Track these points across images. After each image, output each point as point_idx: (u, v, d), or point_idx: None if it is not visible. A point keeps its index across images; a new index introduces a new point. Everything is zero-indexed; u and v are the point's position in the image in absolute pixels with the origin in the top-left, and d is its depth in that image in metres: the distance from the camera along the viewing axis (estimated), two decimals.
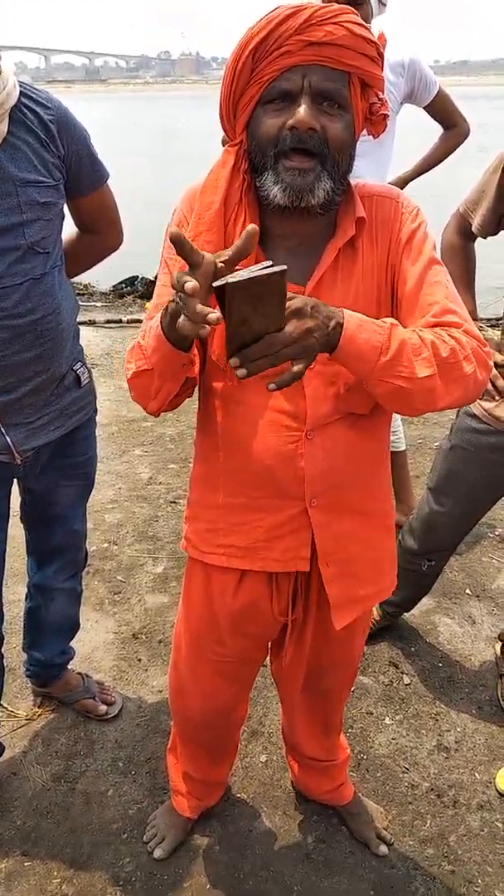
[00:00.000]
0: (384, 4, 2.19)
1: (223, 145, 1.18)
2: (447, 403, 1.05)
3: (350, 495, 1.20)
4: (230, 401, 1.16)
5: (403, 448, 2.85)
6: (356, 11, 1.04)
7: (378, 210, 1.14)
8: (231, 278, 0.83)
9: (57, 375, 1.56)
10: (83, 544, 1.93)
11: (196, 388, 1.21)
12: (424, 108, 2.47)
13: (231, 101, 1.07)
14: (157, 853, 1.67)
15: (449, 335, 1.04)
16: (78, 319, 1.66)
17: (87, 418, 1.72)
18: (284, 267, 0.84)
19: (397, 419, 2.82)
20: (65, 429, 1.63)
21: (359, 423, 1.15)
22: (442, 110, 2.48)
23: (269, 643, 1.44)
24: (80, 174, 1.50)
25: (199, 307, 0.86)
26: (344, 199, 1.11)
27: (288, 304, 0.91)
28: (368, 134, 1.14)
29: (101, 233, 1.71)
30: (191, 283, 0.84)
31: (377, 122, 1.11)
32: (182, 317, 0.89)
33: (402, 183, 2.67)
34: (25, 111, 1.38)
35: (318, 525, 1.19)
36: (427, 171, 2.69)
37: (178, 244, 0.85)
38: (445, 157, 2.68)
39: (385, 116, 1.11)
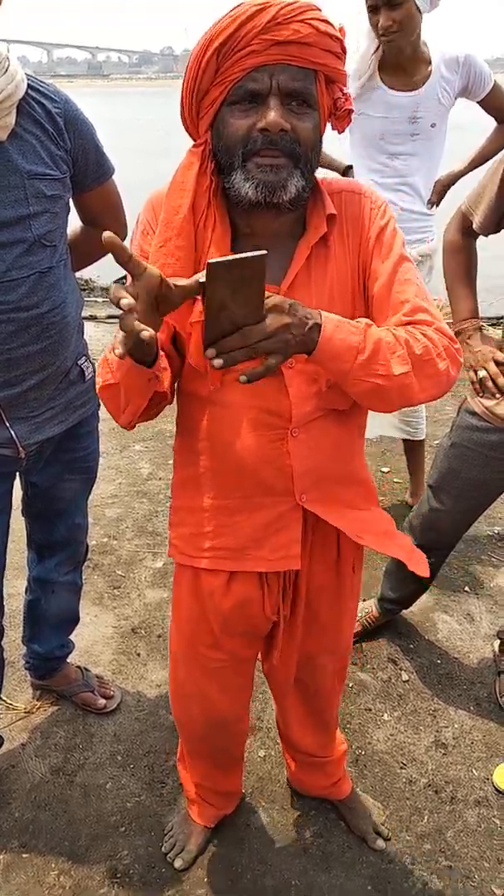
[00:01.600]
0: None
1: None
2: (422, 399, 1.08)
3: (337, 488, 1.22)
4: (213, 404, 1.15)
5: (423, 437, 2.90)
6: (318, 7, 1.02)
7: (346, 207, 1.13)
8: (213, 259, 0.84)
9: (62, 369, 1.56)
10: (84, 538, 1.94)
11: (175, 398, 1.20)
12: (478, 102, 2.46)
13: (194, 100, 1.04)
14: (178, 863, 1.66)
15: (421, 333, 1.06)
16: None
17: (91, 413, 1.72)
18: (265, 252, 0.84)
19: (421, 408, 2.84)
20: (68, 423, 1.63)
21: (340, 418, 1.17)
22: (497, 104, 2.46)
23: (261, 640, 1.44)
24: (86, 168, 1.50)
25: (135, 323, 0.85)
26: (312, 196, 1.10)
27: (266, 299, 0.91)
28: (333, 129, 1.13)
29: (106, 227, 1.71)
30: (126, 301, 0.84)
31: (341, 117, 1.10)
32: (120, 333, 0.89)
33: (454, 179, 2.64)
34: (33, 104, 1.38)
35: (318, 513, 1.20)
36: (480, 165, 2.61)
37: (116, 252, 0.84)
38: (500, 151, 2.63)
39: (349, 111, 1.10)
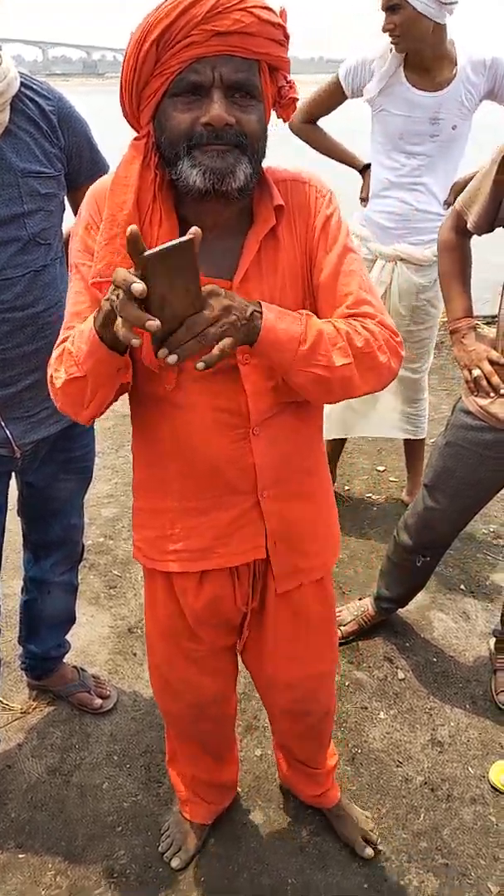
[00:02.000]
0: (446, 4, 2.14)
1: None
2: (363, 391, 1.09)
3: (295, 479, 1.22)
4: (170, 405, 1.12)
5: (424, 436, 2.92)
6: None
7: (292, 195, 1.12)
8: (147, 252, 0.83)
9: None
10: (80, 538, 1.94)
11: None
12: None
13: (133, 92, 1.01)
14: (174, 862, 1.66)
15: (363, 326, 1.07)
16: None
17: None
18: (193, 236, 0.84)
19: (424, 407, 2.84)
20: (64, 423, 1.63)
21: (298, 411, 1.18)
22: None
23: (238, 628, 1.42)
24: (80, 165, 1.50)
25: (140, 312, 0.85)
26: (258, 186, 1.08)
27: (203, 288, 0.90)
28: (278, 118, 1.10)
29: None
30: (139, 286, 0.83)
31: (286, 106, 1.08)
32: (119, 319, 0.88)
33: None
34: (27, 101, 1.37)
35: (269, 513, 1.21)
36: None
37: (134, 242, 0.83)
38: None
39: (294, 100, 1.07)
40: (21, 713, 2.05)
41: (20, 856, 1.68)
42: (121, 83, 1.02)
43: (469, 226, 1.76)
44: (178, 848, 1.68)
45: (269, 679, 1.46)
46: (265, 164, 1.09)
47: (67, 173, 1.48)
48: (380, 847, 1.70)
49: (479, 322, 1.87)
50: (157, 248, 0.83)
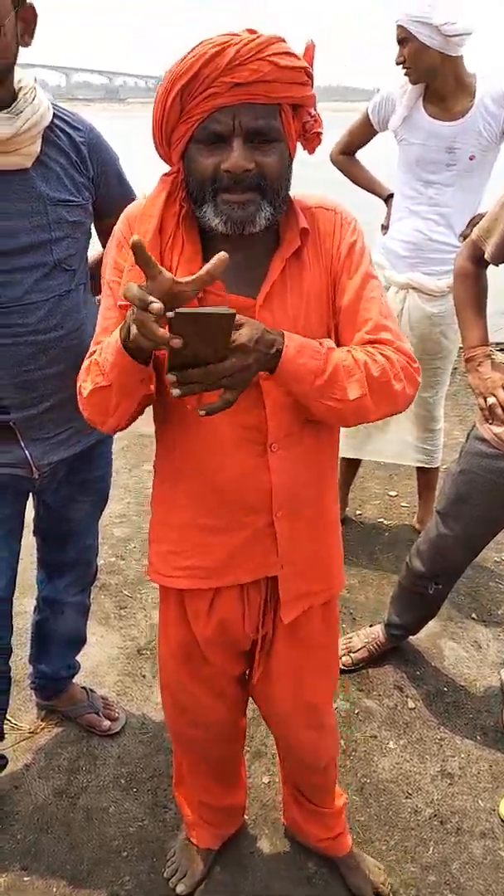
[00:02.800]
0: (452, 37, 2.16)
1: None
2: (377, 417, 1.13)
3: (306, 501, 1.24)
4: (191, 421, 1.15)
5: (438, 465, 2.90)
6: (283, 39, 1.01)
7: (319, 222, 1.16)
8: (183, 309, 0.86)
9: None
10: (94, 559, 1.94)
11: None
12: None
13: (163, 134, 1.07)
14: (180, 888, 1.64)
15: (381, 353, 1.10)
16: None
17: (105, 435, 1.72)
18: (234, 312, 0.87)
19: (439, 436, 2.83)
20: (82, 445, 1.64)
21: (316, 432, 1.20)
22: None
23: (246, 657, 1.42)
24: (108, 195, 1.53)
25: (160, 332, 0.88)
26: (285, 212, 1.12)
27: (234, 335, 0.94)
28: (304, 150, 1.14)
29: None
30: (157, 305, 0.86)
31: (311, 139, 1.11)
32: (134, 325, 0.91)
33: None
34: (59, 132, 1.42)
35: (280, 533, 1.22)
36: None
37: (138, 251, 0.87)
38: None
39: (318, 134, 1.11)
40: (29, 733, 2.04)
41: (25, 878, 1.67)
42: (152, 126, 1.08)
43: (487, 256, 1.77)
44: (183, 874, 1.66)
45: (275, 712, 1.46)
46: (295, 192, 1.14)
47: (95, 202, 1.51)
48: None
49: (493, 350, 1.88)
50: (192, 311, 0.86)
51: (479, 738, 2.07)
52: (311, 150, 1.15)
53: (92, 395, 1.10)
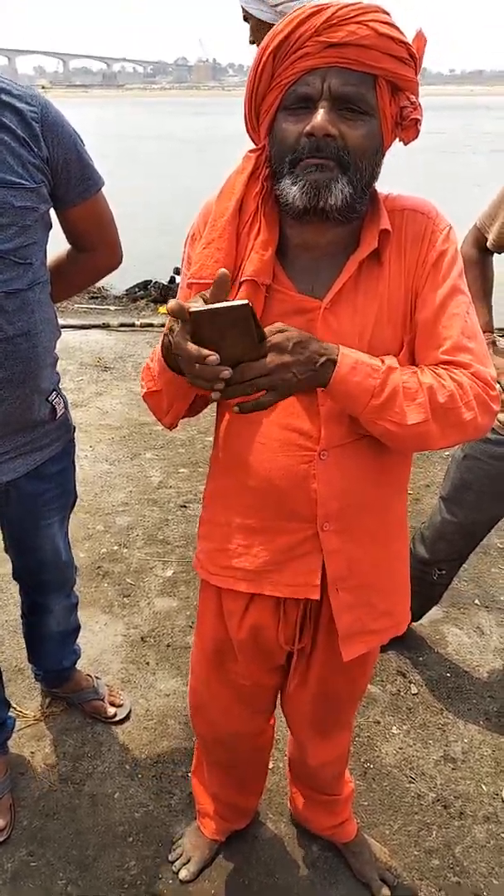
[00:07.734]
0: (277, 6, 1.95)
1: None
2: (443, 446, 1.04)
3: (365, 520, 1.14)
4: (243, 420, 1.11)
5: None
6: (385, 10, 0.95)
7: (409, 225, 1.07)
8: (195, 307, 0.87)
9: (25, 405, 1.41)
10: (70, 571, 1.85)
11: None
12: None
13: (253, 105, 1.03)
14: (183, 874, 1.65)
15: (451, 377, 1.01)
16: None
17: (61, 451, 1.59)
18: (246, 301, 0.86)
19: None
20: (33, 463, 1.50)
21: (375, 447, 1.09)
22: None
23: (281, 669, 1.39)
24: (68, 180, 1.37)
25: (189, 349, 0.88)
26: (369, 210, 1.06)
27: (269, 338, 0.93)
28: (399, 140, 1.05)
29: (95, 250, 1.55)
30: (213, 357, 0.87)
31: (408, 128, 1.03)
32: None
33: None
34: (2, 107, 1.24)
35: (329, 550, 1.14)
36: None
37: (177, 315, 0.87)
38: None
39: (416, 121, 1.03)
40: (34, 720, 2.05)
41: (31, 864, 1.69)
42: (244, 99, 1.05)
43: (489, 244, 1.76)
44: (187, 859, 1.68)
45: (299, 720, 1.45)
46: (389, 190, 1.10)
47: (54, 189, 1.35)
48: (398, 881, 1.66)
49: (497, 336, 1.87)
50: (204, 308, 0.86)
51: (482, 723, 2.08)
52: (407, 141, 1.06)
53: (146, 397, 1.15)
